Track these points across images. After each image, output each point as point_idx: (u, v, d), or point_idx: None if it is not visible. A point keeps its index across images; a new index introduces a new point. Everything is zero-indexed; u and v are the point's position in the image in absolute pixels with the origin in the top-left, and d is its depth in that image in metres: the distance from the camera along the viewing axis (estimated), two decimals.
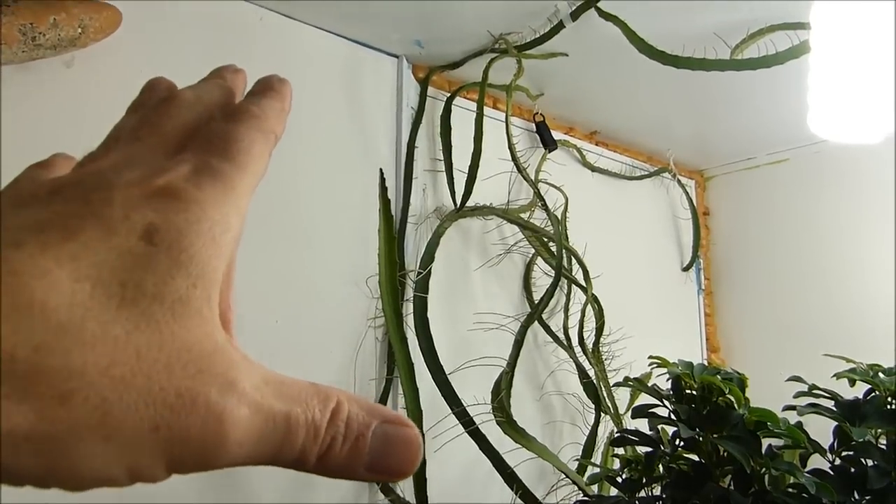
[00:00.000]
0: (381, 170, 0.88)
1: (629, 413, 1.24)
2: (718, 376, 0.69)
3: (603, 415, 1.24)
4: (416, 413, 0.86)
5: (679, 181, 1.67)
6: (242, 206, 0.25)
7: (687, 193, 1.68)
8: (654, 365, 0.76)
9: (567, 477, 0.95)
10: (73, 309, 0.18)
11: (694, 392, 0.74)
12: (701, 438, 0.69)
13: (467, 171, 1.16)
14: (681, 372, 0.71)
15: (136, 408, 0.19)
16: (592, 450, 1.20)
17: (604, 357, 1.25)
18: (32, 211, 0.20)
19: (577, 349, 1.28)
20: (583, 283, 1.27)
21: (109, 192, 0.21)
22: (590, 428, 1.25)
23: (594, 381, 1.23)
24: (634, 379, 0.76)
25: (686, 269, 1.68)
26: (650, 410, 0.73)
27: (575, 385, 1.30)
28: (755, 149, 1.66)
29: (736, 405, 0.70)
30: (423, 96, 1.22)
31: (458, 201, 1.18)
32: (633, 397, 1.23)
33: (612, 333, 1.31)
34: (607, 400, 1.22)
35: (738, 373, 0.72)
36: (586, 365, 1.25)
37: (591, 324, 1.29)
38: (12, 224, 0.19)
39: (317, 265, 1.06)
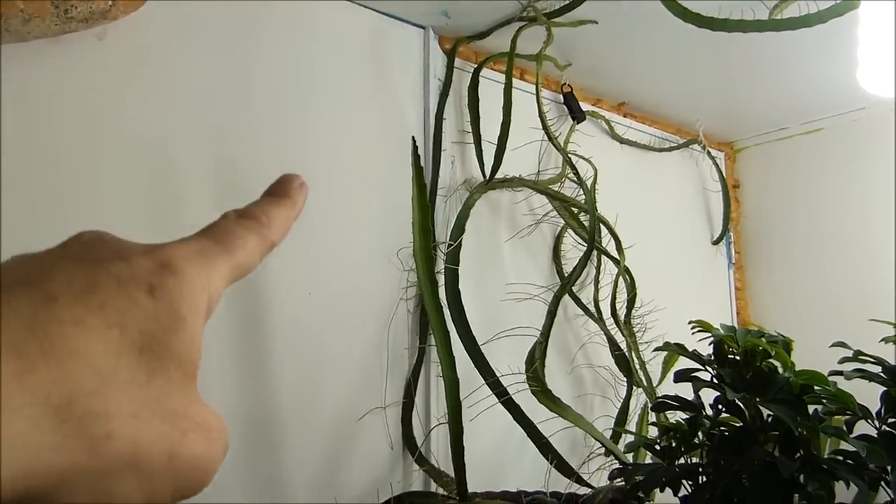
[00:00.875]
0: (412, 137, 0.88)
1: (662, 385, 1.24)
2: (763, 339, 0.68)
3: (635, 388, 1.24)
4: (453, 380, 0.86)
5: (709, 153, 1.64)
6: (218, 286, 0.27)
7: (717, 165, 1.65)
8: (696, 329, 0.75)
9: (603, 446, 0.95)
10: (108, 356, 0.21)
11: (736, 357, 0.72)
12: (745, 403, 0.68)
13: (496, 142, 1.15)
14: (724, 335, 0.70)
15: (157, 443, 0.22)
16: (625, 422, 1.19)
17: (635, 329, 1.24)
18: (57, 270, 0.23)
19: (608, 321, 1.27)
20: (614, 255, 1.25)
21: (120, 255, 0.25)
22: (622, 401, 1.24)
23: (626, 353, 1.22)
24: (675, 344, 0.75)
25: (716, 242, 1.65)
26: (693, 374, 0.72)
27: (606, 358, 1.29)
28: (788, 119, 1.63)
29: (781, 369, 0.69)
30: (450, 67, 1.21)
31: (488, 173, 1.16)
32: (665, 368, 1.22)
33: (643, 306, 1.30)
34: (639, 372, 1.21)
35: (783, 336, 0.70)
36: (618, 337, 1.24)
37: (622, 296, 1.27)
38: (43, 280, 0.22)
39: (348, 238, 1.06)
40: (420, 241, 0.85)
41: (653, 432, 1.09)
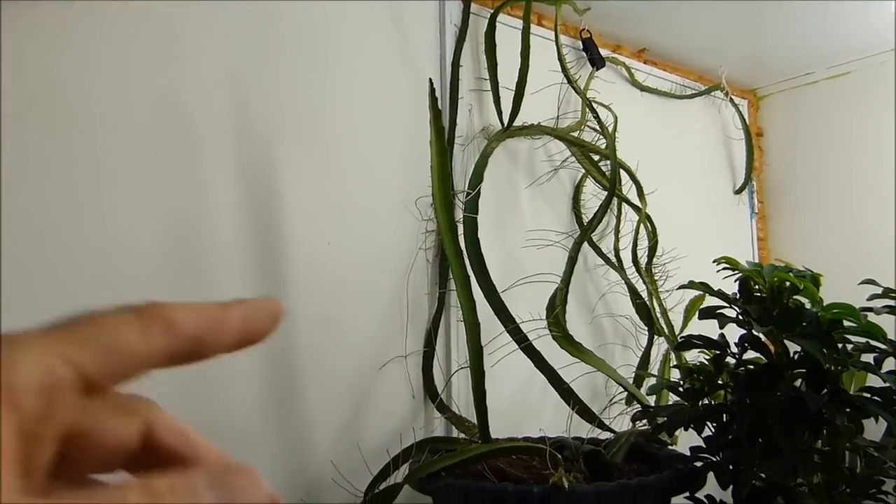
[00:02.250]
0: (430, 80, 0.86)
1: (684, 333, 1.22)
2: (791, 274, 0.66)
3: (656, 337, 1.23)
4: (473, 324, 0.85)
5: (732, 100, 1.60)
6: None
7: (740, 113, 1.61)
8: (722, 267, 0.73)
9: (625, 390, 0.94)
10: None
11: (762, 294, 0.71)
12: (772, 337, 0.67)
13: (514, 89, 1.12)
14: (750, 270, 0.68)
15: None
16: (646, 370, 1.19)
17: (656, 277, 1.23)
18: None
19: (629, 270, 1.25)
20: (634, 202, 1.23)
21: None
22: (642, 349, 1.23)
23: (647, 302, 1.21)
24: (700, 282, 0.74)
25: (738, 191, 1.62)
26: (718, 311, 0.71)
27: (626, 307, 1.28)
28: (814, 63, 1.58)
29: (809, 304, 0.68)
30: (466, 13, 1.18)
31: (506, 120, 1.14)
32: (688, 316, 1.21)
33: (664, 254, 1.28)
34: (661, 320, 1.20)
35: (811, 271, 0.69)
36: (639, 286, 1.22)
37: (642, 243, 1.26)
38: None
39: (366, 187, 1.05)
40: (439, 185, 0.84)
41: (675, 379, 1.08)
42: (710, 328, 0.85)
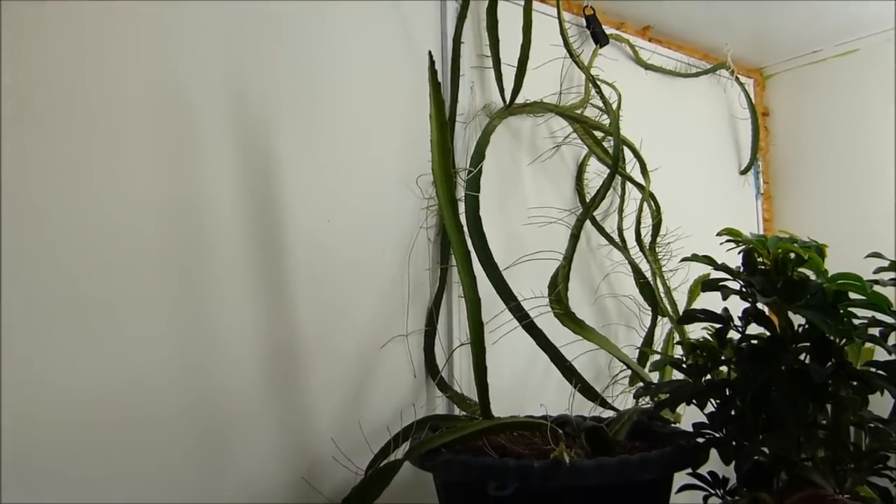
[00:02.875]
0: (430, 52, 0.84)
1: (678, 320, 1.22)
2: (796, 245, 0.65)
3: (659, 317, 1.22)
4: (474, 300, 0.84)
5: (737, 79, 1.58)
6: None
7: (745, 92, 1.59)
8: (725, 239, 0.72)
9: (628, 367, 0.94)
10: None
11: (766, 266, 0.70)
12: (777, 308, 0.66)
13: (517, 65, 1.11)
14: (755, 241, 0.67)
15: None
16: (648, 356, 1.17)
17: (660, 256, 1.22)
18: None
19: (632, 250, 1.24)
20: (638, 180, 1.22)
21: None
22: (646, 330, 1.22)
23: (650, 282, 1.20)
24: (703, 256, 0.73)
25: (744, 172, 1.60)
26: (721, 283, 0.70)
27: (630, 288, 1.27)
28: (821, 40, 1.55)
29: (814, 277, 0.66)
30: None
31: (508, 97, 1.13)
32: (691, 298, 1.20)
33: (668, 234, 1.27)
34: (664, 300, 1.19)
35: (816, 242, 0.68)
36: (643, 266, 1.21)
37: (646, 222, 1.25)
38: None
39: (367, 165, 1.04)
40: (439, 160, 0.83)
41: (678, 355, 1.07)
42: (714, 305, 0.84)
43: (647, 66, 1.44)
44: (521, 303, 0.96)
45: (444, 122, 0.82)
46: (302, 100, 0.98)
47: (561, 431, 0.76)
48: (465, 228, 0.99)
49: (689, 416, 1.07)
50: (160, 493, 0.81)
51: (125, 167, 0.83)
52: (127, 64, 0.84)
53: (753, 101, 1.62)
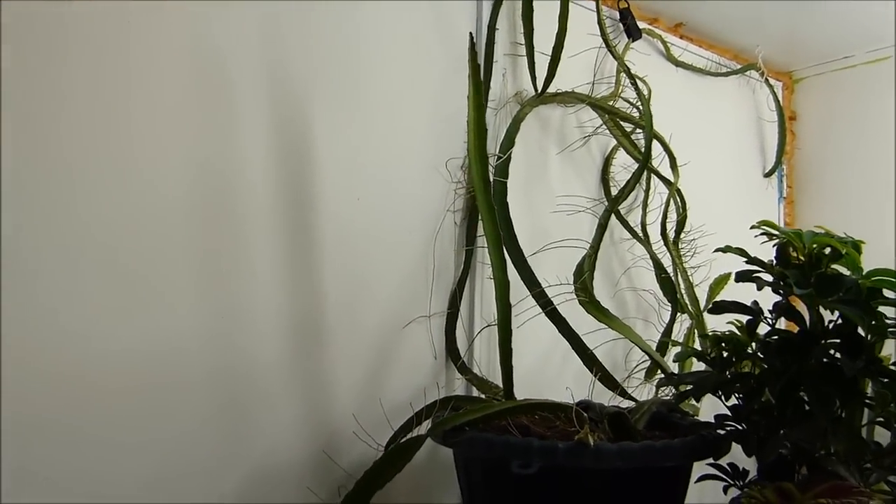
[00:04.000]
0: (470, 34, 0.85)
1: (708, 310, 1.22)
2: (834, 239, 0.65)
3: (679, 314, 1.22)
4: (503, 282, 0.85)
5: (767, 80, 1.57)
6: None
7: (774, 94, 1.59)
8: (759, 233, 0.73)
9: (650, 357, 0.94)
10: None
11: (800, 261, 0.70)
12: (809, 303, 0.66)
13: (551, 54, 1.11)
14: (791, 234, 0.67)
15: None
16: (667, 346, 1.18)
17: (683, 253, 1.22)
18: None
19: (655, 246, 1.25)
20: (665, 175, 1.22)
21: None
22: (664, 326, 1.23)
23: (672, 277, 1.20)
24: (736, 248, 0.73)
25: (768, 175, 1.60)
26: (755, 275, 0.70)
27: (650, 283, 1.28)
28: (853, 46, 1.55)
29: (849, 272, 0.67)
30: None
31: (540, 86, 1.13)
32: (712, 294, 1.20)
33: (692, 231, 1.27)
34: (685, 295, 1.19)
35: (852, 238, 0.68)
36: (665, 261, 1.21)
37: (671, 217, 1.25)
38: None
39: (398, 146, 1.04)
40: (475, 140, 0.83)
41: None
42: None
43: (678, 63, 1.44)
44: (545, 290, 0.97)
45: (481, 104, 0.83)
46: (337, 75, 0.99)
47: (585, 415, 0.76)
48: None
49: (706, 410, 1.08)
50: (181, 459, 0.82)
51: (163, 131, 0.83)
52: (169, 27, 0.84)
53: (782, 104, 1.61)
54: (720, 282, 1.20)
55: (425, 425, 0.89)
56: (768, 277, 0.70)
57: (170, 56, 0.84)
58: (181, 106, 0.85)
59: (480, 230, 1.07)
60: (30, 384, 0.72)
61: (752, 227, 0.73)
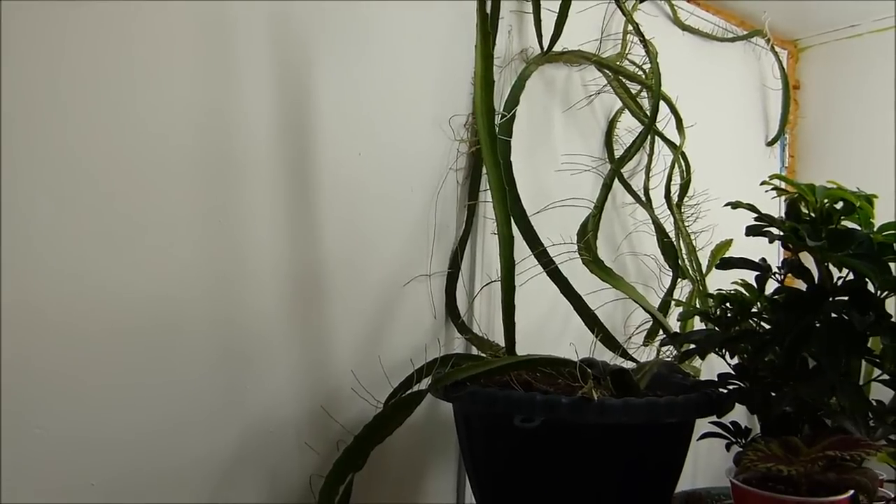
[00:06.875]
0: None
1: (710, 276, 1.21)
2: (848, 192, 0.64)
3: (680, 280, 1.21)
4: (508, 237, 0.84)
5: (773, 48, 1.55)
6: None
7: (780, 62, 1.57)
8: (770, 188, 0.71)
9: (652, 317, 0.93)
10: None
11: (811, 216, 0.69)
12: (821, 257, 0.65)
13: (558, 11, 1.08)
14: (804, 187, 0.66)
15: None
16: (668, 310, 1.17)
17: (686, 216, 1.21)
18: None
19: (658, 210, 1.23)
20: (670, 138, 1.21)
21: None
22: (665, 290, 1.22)
23: (673, 242, 1.19)
24: (747, 203, 0.72)
25: (770, 143, 1.59)
26: (765, 229, 0.69)
27: (651, 248, 1.27)
28: (860, 14, 1.52)
29: (861, 227, 0.66)
30: None
31: (545, 44, 1.11)
32: (714, 258, 1.20)
33: (695, 195, 1.26)
34: (687, 260, 1.19)
35: (864, 192, 0.67)
36: (667, 226, 1.20)
37: (675, 180, 1.24)
38: None
39: (401, 102, 1.02)
40: (482, 94, 0.81)
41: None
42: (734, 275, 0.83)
43: (684, 27, 1.42)
44: (547, 249, 0.96)
45: (489, 53, 0.81)
46: (342, 27, 0.96)
47: (589, 371, 0.76)
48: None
49: (704, 375, 1.08)
50: (181, 405, 0.81)
51: (165, 77, 0.81)
52: None
53: (786, 72, 1.60)
54: (722, 247, 1.19)
55: (425, 382, 0.89)
56: (778, 233, 0.69)
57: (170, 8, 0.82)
58: (185, 49, 0.83)
59: (483, 186, 1.06)
60: (24, 326, 0.71)
61: (763, 183, 0.72)
